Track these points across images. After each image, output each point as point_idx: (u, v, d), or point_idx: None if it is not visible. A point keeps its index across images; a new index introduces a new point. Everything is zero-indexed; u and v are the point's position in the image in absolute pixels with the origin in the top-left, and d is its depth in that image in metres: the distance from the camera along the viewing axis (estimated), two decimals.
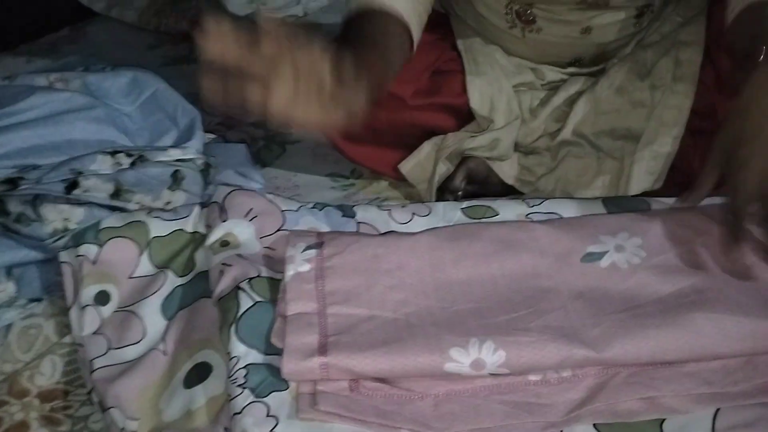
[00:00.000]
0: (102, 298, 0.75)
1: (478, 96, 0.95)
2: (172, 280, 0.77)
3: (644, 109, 0.92)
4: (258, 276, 0.70)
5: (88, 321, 0.74)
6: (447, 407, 0.61)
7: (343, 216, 0.81)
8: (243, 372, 0.63)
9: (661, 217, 0.75)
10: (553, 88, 0.99)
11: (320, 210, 0.81)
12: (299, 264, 0.70)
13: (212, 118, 1.22)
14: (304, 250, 0.71)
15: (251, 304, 0.68)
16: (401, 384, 0.63)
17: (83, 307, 0.74)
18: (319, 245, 0.72)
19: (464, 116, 0.98)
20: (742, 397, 0.60)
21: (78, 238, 0.79)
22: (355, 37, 0.75)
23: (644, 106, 0.92)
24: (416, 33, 0.84)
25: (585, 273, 0.70)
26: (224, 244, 0.75)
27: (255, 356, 0.65)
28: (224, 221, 0.77)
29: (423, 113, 0.97)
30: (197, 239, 0.80)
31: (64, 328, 0.77)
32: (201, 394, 0.67)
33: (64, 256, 0.78)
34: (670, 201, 0.80)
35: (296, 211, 0.80)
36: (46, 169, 0.86)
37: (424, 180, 0.98)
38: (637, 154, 0.90)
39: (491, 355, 0.62)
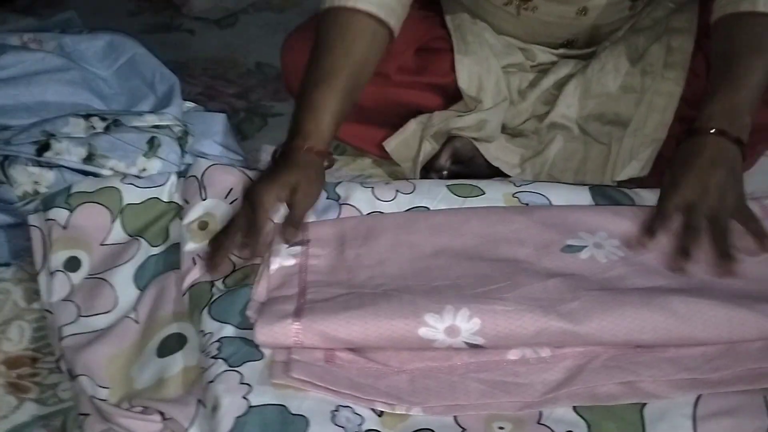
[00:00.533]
0: (72, 264, 0.73)
1: (466, 75, 0.94)
2: (145, 250, 0.75)
3: (634, 95, 0.91)
4: (232, 272, 0.70)
5: (57, 287, 0.71)
6: (423, 383, 0.61)
7: (327, 198, 0.79)
8: (216, 345, 0.62)
9: (639, 219, 0.74)
10: (543, 70, 0.98)
11: None
12: (284, 258, 0.70)
13: (193, 87, 1.20)
14: (291, 246, 0.71)
15: (223, 291, 0.68)
16: (377, 358, 0.62)
17: (52, 273, 0.72)
18: (304, 242, 0.72)
19: (451, 96, 0.96)
20: (721, 385, 0.60)
21: (48, 202, 0.76)
22: (319, 66, 0.81)
23: (635, 91, 0.91)
24: (394, 21, 0.84)
25: (564, 260, 0.70)
26: (202, 226, 0.74)
27: (228, 330, 0.64)
28: (204, 200, 0.75)
29: (409, 91, 0.95)
30: (173, 209, 0.78)
31: (33, 294, 0.74)
32: (175, 363, 0.65)
33: (33, 219, 0.76)
34: (653, 193, 0.79)
35: None
36: (16, 130, 0.84)
37: (408, 158, 0.96)
38: (625, 140, 0.90)
39: (466, 323, 0.61)
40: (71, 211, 0.75)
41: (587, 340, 0.62)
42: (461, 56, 0.94)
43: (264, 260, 0.71)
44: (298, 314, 0.62)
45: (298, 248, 0.71)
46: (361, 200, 0.79)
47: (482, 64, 0.94)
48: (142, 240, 0.76)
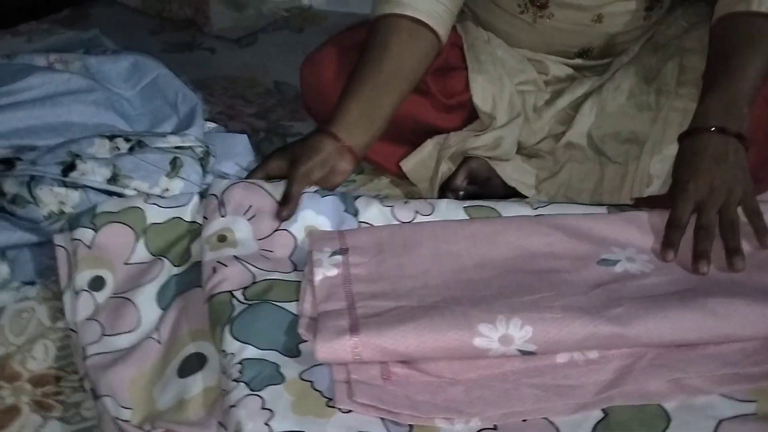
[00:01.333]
0: (97, 283, 0.75)
1: (480, 92, 0.95)
2: (168, 270, 0.77)
3: (650, 113, 0.92)
4: (252, 284, 0.71)
5: (82, 306, 0.73)
6: (478, 393, 0.62)
7: (345, 211, 0.81)
8: (238, 367, 0.63)
9: (662, 231, 0.76)
10: (558, 90, 0.98)
11: (322, 197, 0.81)
12: (327, 268, 0.71)
13: (213, 106, 1.22)
14: (331, 255, 0.73)
15: (244, 307, 0.68)
16: (430, 370, 0.64)
17: (77, 292, 0.73)
18: (344, 251, 0.74)
19: (467, 114, 0.97)
20: (765, 378, 0.62)
21: (73, 222, 0.78)
22: (370, 67, 0.86)
23: (650, 109, 0.92)
24: (441, 29, 0.88)
25: (600, 273, 0.72)
26: (221, 239, 0.75)
27: (250, 351, 0.64)
28: (223, 216, 0.77)
29: (425, 109, 0.96)
30: (195, 230, 0.79)
31: (57, 313, 0.76)
32: (195, 384, 0.66)
33: (58, 239, 0.77)
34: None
35: None
36: (42, 151, 0.85)
37: (425, 179, 0.97)
38: (643, 157, 0.90)
39: (518, 331, 0.63)
40: (96, 230, 0.77)
41: (635, 342, 0.64)
42: (475, 74, 0.96)
43: (305, 275, 0.72)
44: (354, 329, 0.63)
45: (338, 257, 0.73)
46: (380, 220, 0.80)
47: (495, 83, 0.96)
48: (165, 260, 0.77)
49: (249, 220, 0.77)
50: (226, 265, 0.72)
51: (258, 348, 0.65)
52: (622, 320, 0.64)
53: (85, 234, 0.76)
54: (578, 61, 0.98)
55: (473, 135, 0.95)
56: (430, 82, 0.95)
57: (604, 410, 0.61)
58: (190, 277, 0.76)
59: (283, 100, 1.27)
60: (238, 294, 0.70)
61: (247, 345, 0.65)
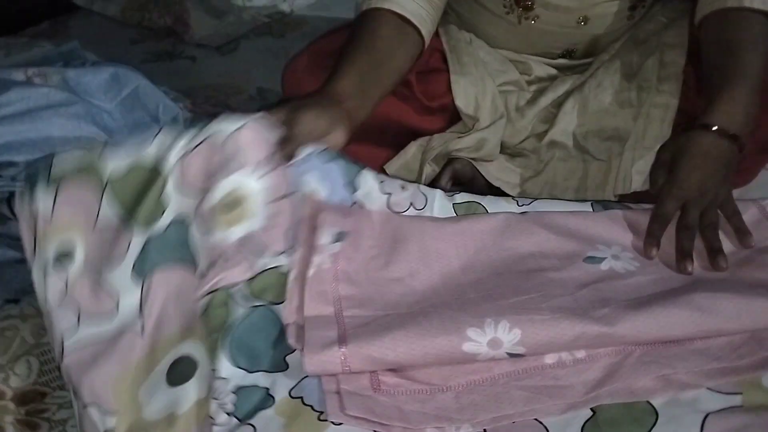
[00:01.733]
0: (65, 258, 0.64)
1: (463, 95, 0.95)
2: (140, 235, 0.65)
3: (632, 109, 0.92)
4: (250, 280, 0.69)
5: (51, 285, 0.64)
6: (468, 398, 0.62)
7: (344, 185, 0.76)
8: (232, 398, 0.63)
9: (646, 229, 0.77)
10: (541, 89, 0.99)
11: (325, 163, 0.74)
12: (324, 259, 0.71)
13: (196, 115, 1.21)
14: (333, 242, 0.72)
15: (238, 318, 0.68)
16: (420, 377, 0.63)
17: (45, 270, 0.64)
18: (344, 236, 0.73)
19: (449, 116, 0.97)
20: (751, 370, 0.63)
21: (31, 183, 0.64)
22: (353, 56, 0.84)
23: (632, 105, 0.92)
24: (424, 30, 0.88)
25: (587, 271, 0.73)
26: (234, 205, 0.67)
27: (242, 377, 0.64)
28: (226, 170, 0.67)
29: (407, 112, 0.96)
30: (165, 173, 0.65)
31: (41, 330, 0.74)
32: (186, 396, 0.63)
33: (19, 205, 0.64)
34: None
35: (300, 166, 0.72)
36: (23, 167, 0.85)
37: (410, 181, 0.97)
38: (625, 154, 0.91)
39: (507, 334, 0.63)
40: (56, 194, 0.63)
41: (623, 340, 0.64)
42: (457, 76, 0.96)
43: (297, 273, 0.70)
44: (342, 341, 0.63)
45: (338, 246, 0.72)
46: (375, 204, 0.78)
47: (478, 85, 0.96)
48: (135, 226, 0.65)
49: (259, 178, 0.69)
50: (226, 260, 0.68)
51: (248, 371, 0.65)
52: (609, 320, 0.64)
53: (44, 201, 0.63)
54: (561, 61, 0.99)
55: (456, 137, 0.95)
56: (412, 85, 0.95)
57: (592, 409, 0.61)
58: (171, 241, 0.65)
59: (267, 105, 1.25)
60: (238, 296, 0.68)
61: (239, 369, 0.65)
